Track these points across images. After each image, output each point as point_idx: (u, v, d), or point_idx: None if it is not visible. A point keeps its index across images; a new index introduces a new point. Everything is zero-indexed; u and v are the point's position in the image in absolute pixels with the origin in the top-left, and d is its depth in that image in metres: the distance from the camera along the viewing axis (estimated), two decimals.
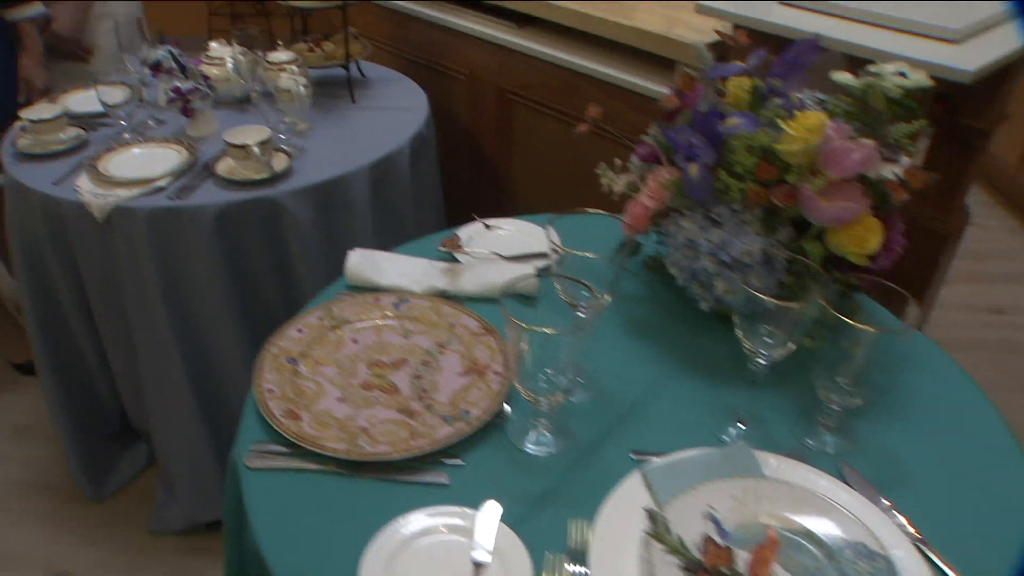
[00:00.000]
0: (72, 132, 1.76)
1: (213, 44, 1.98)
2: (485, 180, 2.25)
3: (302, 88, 1.71)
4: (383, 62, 2.15)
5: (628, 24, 1.76)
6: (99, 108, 1.75)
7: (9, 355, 2.41)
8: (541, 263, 1.24)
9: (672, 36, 1.70)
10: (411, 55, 2.28)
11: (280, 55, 1.83)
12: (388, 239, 1.75)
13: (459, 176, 2.24)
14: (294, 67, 1.82)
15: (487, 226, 1.37)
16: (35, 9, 2.10)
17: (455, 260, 1.28)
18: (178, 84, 1.71)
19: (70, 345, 1.80)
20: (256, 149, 1.55)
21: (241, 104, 1.91)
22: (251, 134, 1.58)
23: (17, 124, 1.79)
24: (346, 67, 1.92)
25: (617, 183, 1.20)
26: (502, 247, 1.31)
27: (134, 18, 2.09)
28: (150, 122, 1.83)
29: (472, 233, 1.36)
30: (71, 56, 2.25)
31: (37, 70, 2.12)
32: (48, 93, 2.15)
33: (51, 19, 2.16)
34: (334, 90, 1.96)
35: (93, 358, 1.81)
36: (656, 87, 1.73)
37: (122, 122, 1.74)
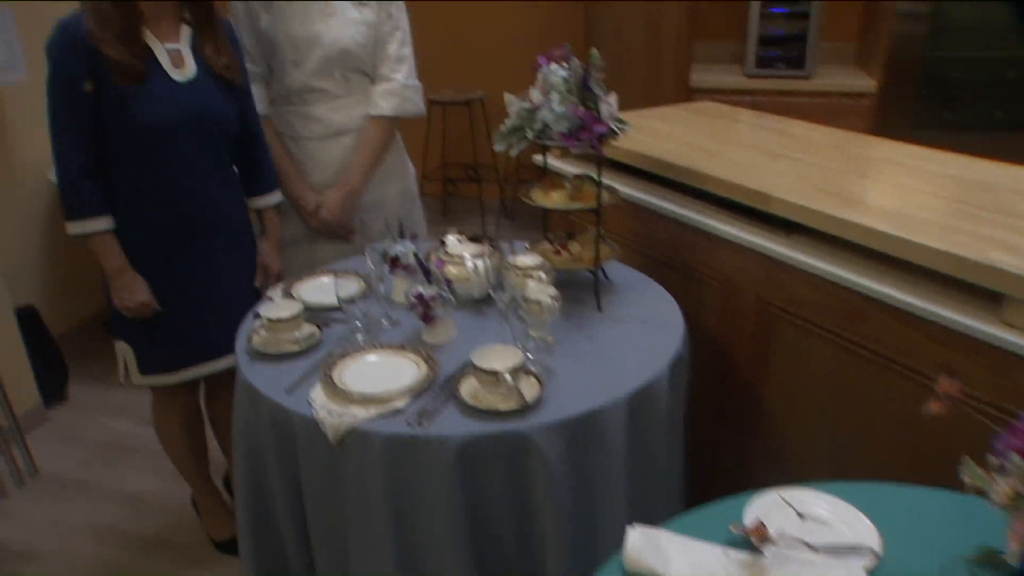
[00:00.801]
0: (307, 330, 1.67)
1: (451, 238, 1.88)
2: (733, 405, 1.97)
3: (552, 300, 1.54)
4: (625, 258, 1.98)
5: (931, 246, 1.48)
6: (332, 299, 1.67)
7: (211, 531, 2.32)
8: (866, 561, 0.95)
9: (994, 264, 1.41)
10: (656, 254, 2.09)
11: (526, 259, 1.69)
12: (641, 481, 1.51)
13: (705, 397, 1.98)
14: (541, 273, 1.66)
15: (800, 515, 1.09)
16: (276, 197, 2.12)
17: (754, 547, 1.01)
18: (421, 290, 1.58)
19: (277, 543, 1.66)
20: (507, 377, 1.37)
21: (479, 305, 1.77)
22: (501, 357, 1.41)
23: (254, 318, 1.73)
24: (595, 273, 1.75)
25: (993, 489, 0.91)
26: (810, 533, 1.04)
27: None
28: (384, 321, 1.72)
29: (767, 506, 1.09)
30: (333, 236, 2.25)
31: (274, 255, 2.12)
32: (281, 277, 2.13)
33: (320, 205, 2.18)
34: (577, 293, 1.79)
35: (299, 562, 1.64)
36: (971, 321, 1.43)
37: (357, 322, 1.64)
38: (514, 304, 1.53)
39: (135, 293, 1.86)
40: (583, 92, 1.63)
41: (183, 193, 1.87)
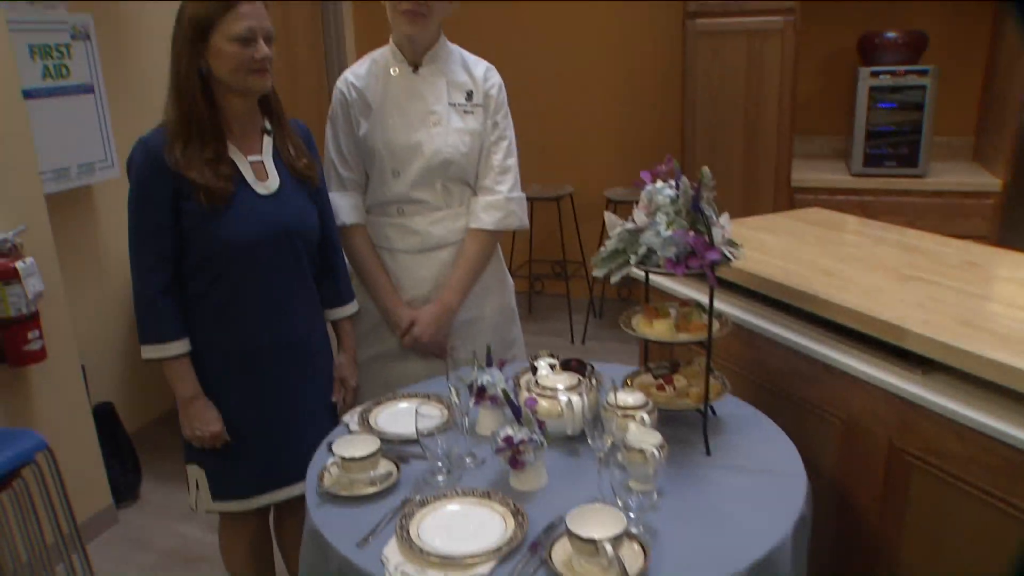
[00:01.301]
0: (383, 469, 1.53)
1: (543, 364, 1.73)
2: (858, 569, 1.72)
3: (657, 450, 1.36)
4: (733, 387, 1.78)
5: None
6: (412, 430, 1.53)
7: None
8: None
9: None
10: (768, 384, 1.89)
11: (627, 397, 1.52)
12: None
13: (821, 555, 1.73)
14: (644, 414, 1.49)
15: None
16: (353, 307, 2.04)
17: None
18: (510, 433, 1.43)
19: None
20: (608, 548, 1.18)
21: (572, 443, 1.60)
22: (600, 521, 1.23)
23: (327, 451, 1.60)
24: (704, 413, 1.56)
25: None
26: None
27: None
28: (467, 460, 1.56)
29: None
30: (425, 353, 2.14)
31: (352, 369, 2.02)
32: (358, 392, 2.02)
33: (414, 323, 2.08)
34: (682, 432, 1.60)
35: None
36: None
37: (438, 463, 1.49)
38: (613, 451, 1.36)
39: (207, 423, 1.77)
40: (693, 214, 1.48)
41: (265, 311, 1.79)
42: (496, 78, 2.11)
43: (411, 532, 1.33)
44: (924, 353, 1.54)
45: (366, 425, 1.72)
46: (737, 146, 3.70)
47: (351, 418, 1.76)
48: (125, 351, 3.38)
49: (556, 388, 1.62)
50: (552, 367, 1.74)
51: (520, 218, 2.13)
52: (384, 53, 2.08)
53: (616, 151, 4.80)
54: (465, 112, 2.05)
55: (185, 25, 1.66)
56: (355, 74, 2.08)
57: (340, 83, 2.08)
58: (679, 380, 1.62)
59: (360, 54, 4.63)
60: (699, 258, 1.45)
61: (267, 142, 1.80)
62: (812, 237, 2.26)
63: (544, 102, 4.78)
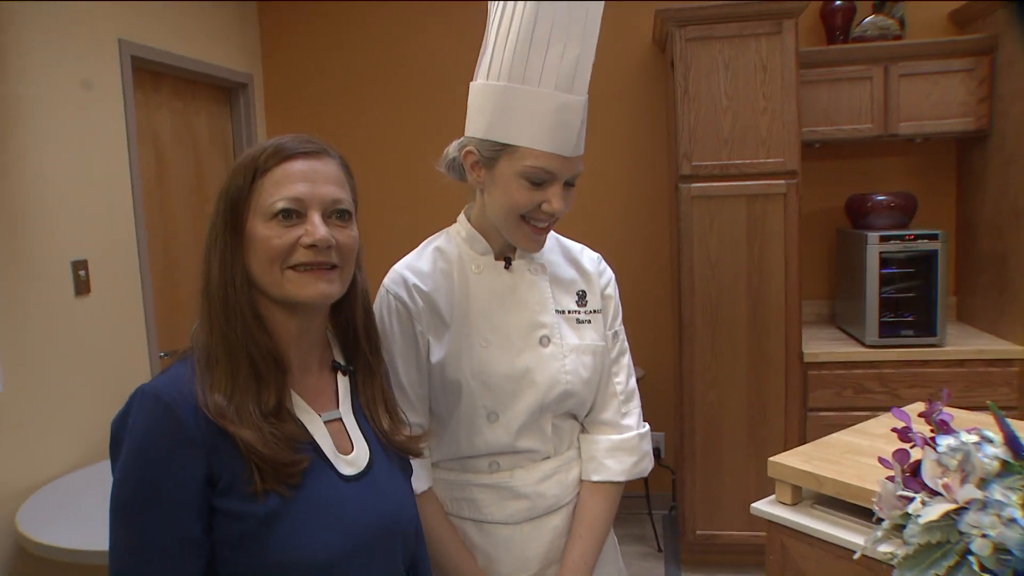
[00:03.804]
0: None
1: None
2: None
3: None
4: None
5: None
6: None
7: None
8: None
9: None
10: None
11: None
12: None
13: None
14: None
15: None
16: None
17: None
18: None
19: None
20: None
21: None
22: None
23: None
24: None
25: None
26: None
27: None
28: None
29: None
30: None
31: None
32: None
33: None
34: None
35: None
36: None
37: None
38: None
39: None
40: None
41: None
42: (610, 271, 1.59)
43: None
44: None
45: None
46: (742, 317, 3.33)
47: None
48: None
49: None
50: None
51: (651, 460, 1.57)
52: (454, 240, 1.50)
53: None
54: (579, 322, 1.50)
55: (221, 205, 1.08)
56: (415, 271, 1.46)
57: (394, 284, 1.45)
58: None
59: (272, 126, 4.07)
60: None
61: (343, 386, 1.18)
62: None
63: None
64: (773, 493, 1.72)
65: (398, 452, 1.19)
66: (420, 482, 1.40)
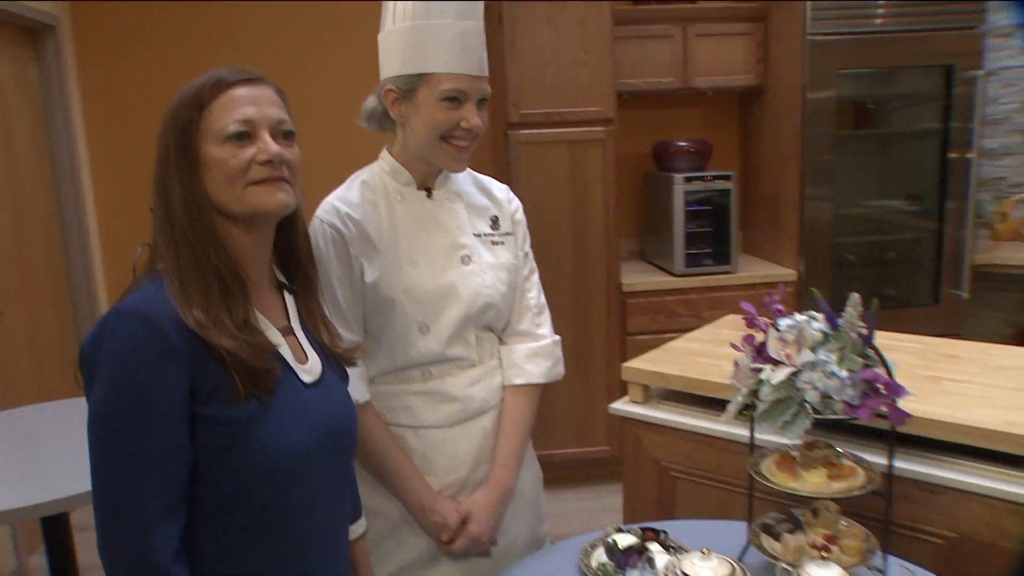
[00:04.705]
0: None
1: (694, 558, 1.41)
2: None
3: None
4: None
5: None
6: None
7: None
8: None
9: None
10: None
11: (819, 571, 1.27)
12: None
13: None
14: None
15: None
16: (363, 524, 1.51)
17: None
18: None
19: None
20: None
21: None
22: None
23: None
24: (882, 570, 1.37)
25: None
26: None
27: None
28: None
29: None
30: (466, 554, 1.66)
31: None
32: None
33: (469, 518, 1.62)
34: None
35: None
36: None
37: None
38: None
39: None
40: (861, 348, 1.31)
41: (305, 548, 1.20)
42: (517, 200, 1.78)
43: None
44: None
45: None
46: (566, 253, 3.65)
47: None
48: None
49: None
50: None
51: (562, 364, 1.79)
52: (377, 174, 1.64)
53: None
54: (494, 244, 1.68)
55: (171, 138, 1.14)
56: (346, 202, 1.58)
57: (327, 214, 1.57)
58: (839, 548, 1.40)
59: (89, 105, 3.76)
60: (884, 397, 1.28)
61: (291, 304, 1.28)
62: None
63: None
64: (603, 411, 2.00)
65: (338, 361, 1.32)
66: (359, 393, 1.54)
